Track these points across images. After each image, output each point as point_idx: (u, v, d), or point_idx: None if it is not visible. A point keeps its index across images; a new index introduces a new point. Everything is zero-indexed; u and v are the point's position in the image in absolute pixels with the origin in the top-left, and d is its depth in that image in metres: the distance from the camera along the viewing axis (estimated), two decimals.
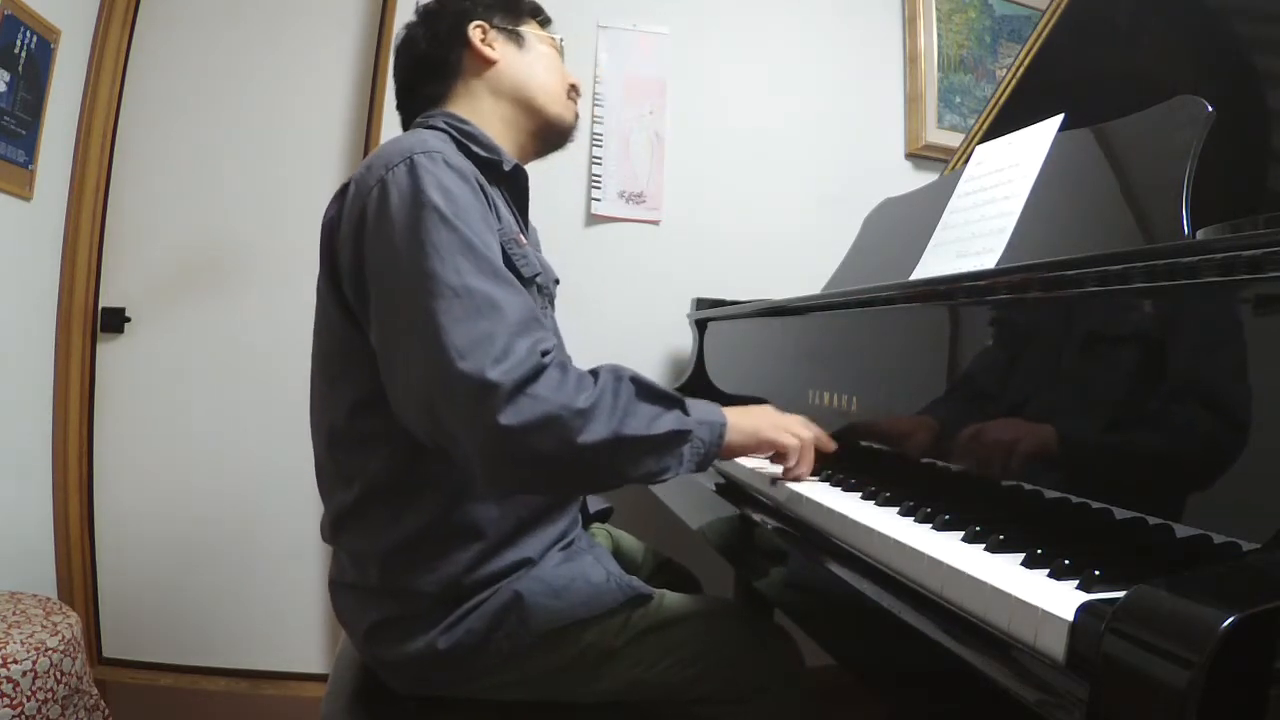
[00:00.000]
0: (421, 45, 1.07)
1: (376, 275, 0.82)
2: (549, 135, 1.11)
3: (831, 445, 0.97)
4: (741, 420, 0.89)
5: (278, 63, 1.92)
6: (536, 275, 0.97)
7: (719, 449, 0.85)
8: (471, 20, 1.05)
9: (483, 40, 1.05)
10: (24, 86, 1.60)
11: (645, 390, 0.82)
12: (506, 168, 1.00)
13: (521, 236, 0.99)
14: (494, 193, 0.95)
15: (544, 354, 0.77)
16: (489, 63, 1.05)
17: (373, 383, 0.85)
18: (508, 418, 0.73)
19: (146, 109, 1.88)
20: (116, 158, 1.86)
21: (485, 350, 0.74)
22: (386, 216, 0.81)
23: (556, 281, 1.14)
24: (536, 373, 0.75)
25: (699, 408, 0.85)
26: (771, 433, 0.90)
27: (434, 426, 0.79)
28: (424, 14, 1.09)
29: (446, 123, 1.00)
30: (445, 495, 0.88)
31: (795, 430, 0.92)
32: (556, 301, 1.14)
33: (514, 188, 1.05)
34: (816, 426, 0.97)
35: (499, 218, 0.91)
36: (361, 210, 0.83)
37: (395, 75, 1.11)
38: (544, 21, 1.14)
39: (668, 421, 0.80)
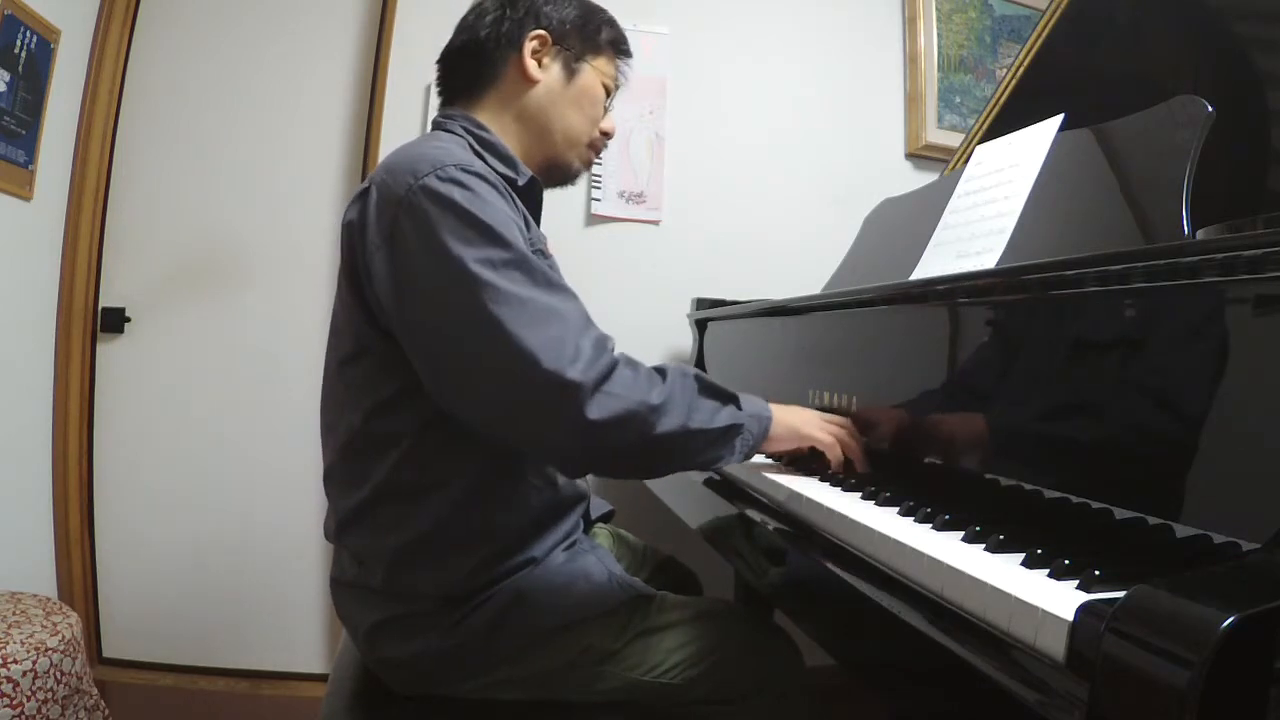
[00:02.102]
0: (483, 26, 1.01)
1: (425, 293, 0.82)
2: (552, 173, 1.07)
3: (864, 465, 0.99)
4: (785, 416, 0.95)
5: (278, 62, 1.92)
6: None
7: (764, 440, 0.92)
8: (538, 27, 1.00)
9: (535, 53, 1.00)
10: (24, 86, 1.60)
11: (706, 386, 0.87)
12: (521, 182, 0.98)
13: (546, 247, 0.99)
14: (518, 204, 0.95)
15: (611, 350, 0.81)
16: (529, 82, 1.00)
17: (390, 387, 0.85)
18: (594, 412, 0.77)
19: (146, 109, 1.88)
20: (116, 158, 1.86)
21: (560, 352, 0.77)
22: (430, 234, 0.80)
23: None
24: (609, 369, 0.79)
25: (749, 402, 0.91)
26: (810, 429, 0.97)
27: (506, 428, 0.82)
28: None
29: (464, 129, 0.98)
30: (456, 500, 0.88)
31: (834, 430, 0.97)
32: None
33: (529, 199, 1.03)
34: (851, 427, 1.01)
35: (528, 228, 0.92)
36: (393, 221, 0.82)
37: (454, 32, 1.05)
38: (623, 53, 1.08)
39: (725, 416, 0.87)
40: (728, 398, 0.89)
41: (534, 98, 1.01)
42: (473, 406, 0.83)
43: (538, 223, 1.06)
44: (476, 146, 0.96)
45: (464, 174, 0.83)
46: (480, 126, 0.99)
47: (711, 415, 0.85)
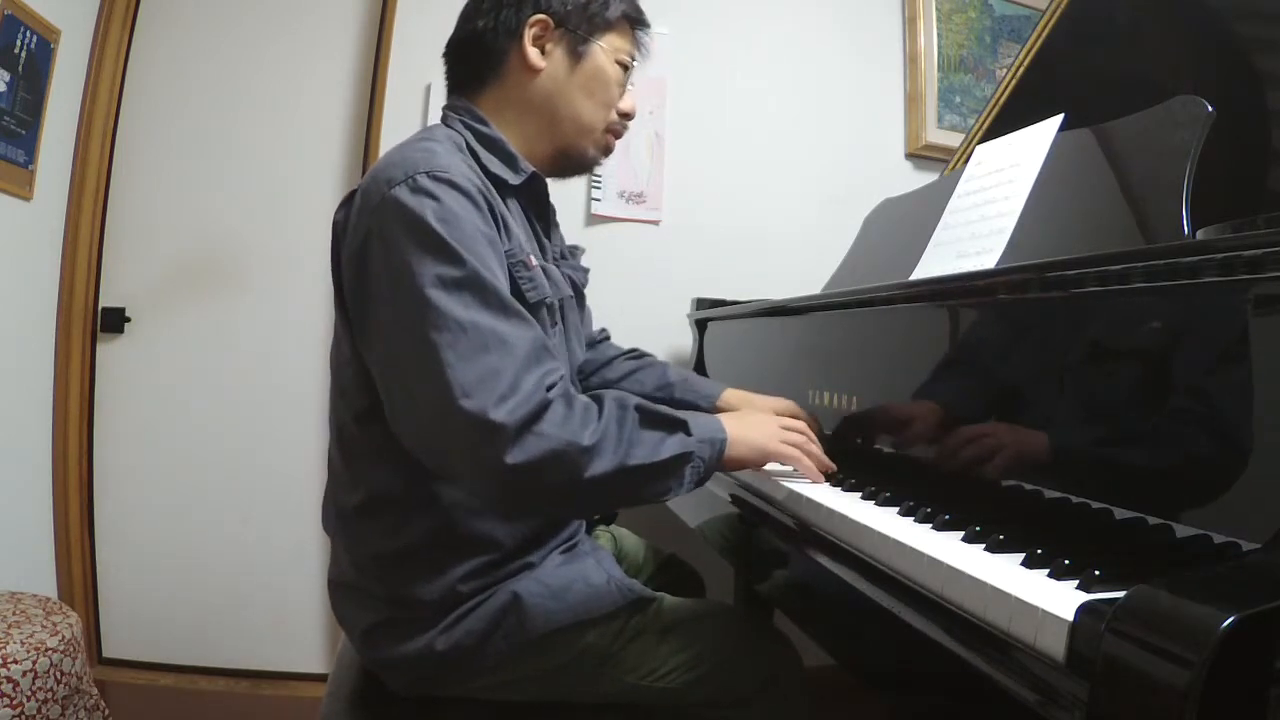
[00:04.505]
0: (480, 15, 0.96)
1: (379, 301, 0.80)
2: (566, 165, 1.03)
3: (829, 465, 0.97)
4: (742, 434, 0.89)
5: (278, 63, 1.92)
6: (545, 299, 0.93)
7: (718, 465, 0.86)
8: (537, 11, 0.94)
9: (536, 39, 0.95)
10: (24, 86, 1.60)
11: (649, 416, 0.82)
12: (516, 181, 0.95)
13: (531, 258, 0.93)
14: (508, 207, 0.91)
15: (549, 388, 0.77)
16: (531, 71, 0.95)
17: (378, 394, 0.83)
18: (514, 457, 0.73)
19: (146, 109, 1.88)
20: (116, 158, 1.86)
21: (491, 388, 0.73)
22: (390, 241, 0.78)
23: (586, 280, 1.09)
24: (541, 409, 0.75)
25: (700, 425, 0.85)
26: (771, 445, 0.92)
27: (435, 459, 0.79)
28: None
29: (465, 124, 0.95)
30: (453, 510, 0.88)
31: (793, 439, 0.94)
32: None
33: (531, 197, 0.99)
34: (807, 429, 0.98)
35: (509, 237, 0.88)
36: (366, 229, 0.81)
37: (457, 22, 1.00)
38: (640, 24, 1.02)
39: (671, 445, 0.81)
40: (675, 425, 0.83)
41: (538, 87, 0.96)
42: (404, 432, 0.80)
43: (543, 218, 1.04)
44: (474, 143, 0.93)
45: (434, 183, 0.79)
46: (482, 121, 0.96)
47: (655, 448, 0.80)
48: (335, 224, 0.88)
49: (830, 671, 1.11)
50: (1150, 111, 0.91)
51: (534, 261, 0.93)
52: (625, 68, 1.01)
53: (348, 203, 0.87)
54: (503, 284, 0.81)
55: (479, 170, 0.89)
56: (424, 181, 0.79)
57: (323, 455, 0.99)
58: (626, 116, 1.03)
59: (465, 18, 1.00)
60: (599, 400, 0.81)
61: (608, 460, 0.77)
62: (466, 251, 0.78)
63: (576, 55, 0.97)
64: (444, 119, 0.99)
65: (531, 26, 0.95)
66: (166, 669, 1.86)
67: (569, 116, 0.98)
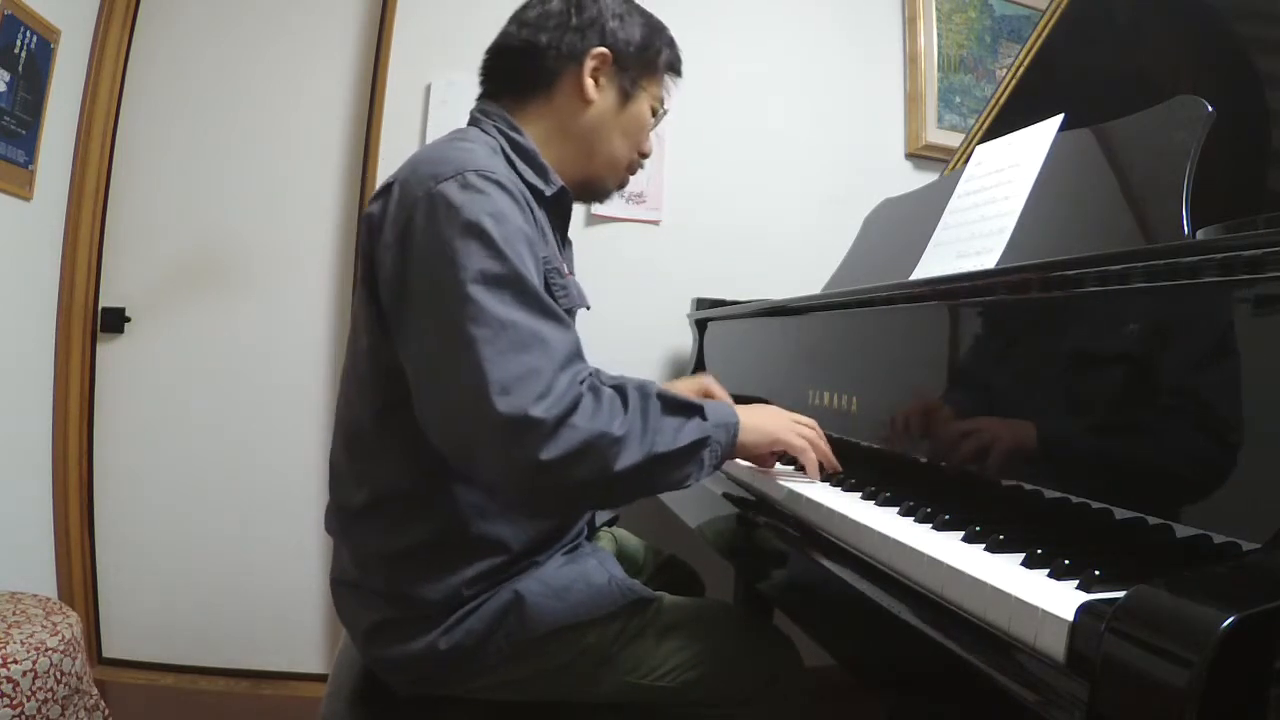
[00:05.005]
0: (545, 30, 0.96)
1: (419, 294, 0.80)
2: (585, 192, 1.04)
3: (836, 465, 0.98)
4: (754, 420, 0.91)
5: (278, 62, 1.92)
6: (573, 307, 0.94)
7: (733, 448, 0.88)
8: (601, 45, 0.96)
9: (594, 71, 0.96)
10: (24, 86, 1.60)
11: (669, 404, 0.83)
12: (549, 192, 0.95)
13: (564, 266, 0.94)
14: (541, 216, 0.92)
15: (581, 383, 0.78)
16: (584, 101, 0.96)
17: (398, 391, 0.83)
18: (548, 452, 0.73)
19: (146, 109, 1.88)
20: (116, 158, 1.86)
21: (529, 386, 0.74)
22: (436, 235, 0.78)
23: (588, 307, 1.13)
24: (575, 403, 0.76)
25: (714, 410, 0.87)
26: (783, 433, 0.93)
27: (461, 454, 0.79)
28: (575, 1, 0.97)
29: (500, 130, 0.95)
30: (461, 511, 0.88)
31: (804, 432, 0.95)
32: None
33: (557, 209, 1.00)
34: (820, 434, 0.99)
35: (546, 243, 0.89)
36: (408, 220, 0.81)
37: (509, 26, 1.00)
38: (677, 73, 1.07)
39: (690, 431, 0.83)
40: (692, 411, 0.84)
41: (586, 118, 0.97)
42: (431, 426, 0.80)
43: (565, 233, 1.05)
44: (509, 151, 0.93)
45: (483, 180, 0.80)
46: (517, 130, 0.95)
47: (675, 434, 0.81)
48: (370, 216, 0.87)
49: (830, 671, 1.11)
50: (1150, 111, 0.91)
51: (566, 271, 0.95)
52: (654, 113, 1.05)
53: (383, 195, 0.87)
54: (541, 283, 0.82)
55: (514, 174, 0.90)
56: (474, 179, 0.80)
57: (323, 455, 0.98)
58: (644, 157, 1.07)
59: (522, 24, 0.99)
60: (622, 390, 0.81)
61: (635, 450, 0.78)
62: (510, 250, 0.78)
63: (625, 95, 1.00)
64: (476, 122, 0.98)
65: (593, 58, 0.96)
66: (166, 669, 1.86)
67: (605, 151, 1.01)
